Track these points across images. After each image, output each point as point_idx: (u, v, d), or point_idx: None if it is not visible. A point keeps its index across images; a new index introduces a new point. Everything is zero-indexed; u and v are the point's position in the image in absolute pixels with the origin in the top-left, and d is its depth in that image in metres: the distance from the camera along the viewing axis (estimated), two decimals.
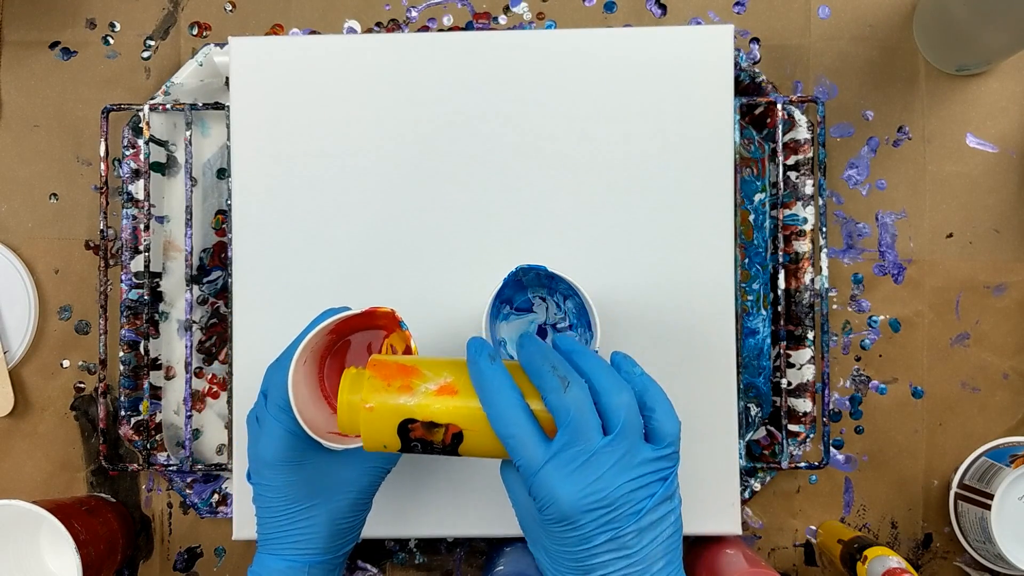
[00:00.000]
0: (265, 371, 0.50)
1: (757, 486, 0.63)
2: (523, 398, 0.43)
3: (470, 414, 0.44)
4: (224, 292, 0.65)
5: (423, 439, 0.44)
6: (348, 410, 0.45)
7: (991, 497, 0.58)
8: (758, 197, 0.64)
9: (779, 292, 0.62)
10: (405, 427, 0.44)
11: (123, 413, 0.63)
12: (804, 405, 0.62)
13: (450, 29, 0.65)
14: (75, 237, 0.66)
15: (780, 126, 0.62)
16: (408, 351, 0.50)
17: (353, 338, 0.54)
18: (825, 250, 0.63)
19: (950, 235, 0.64)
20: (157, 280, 0.65)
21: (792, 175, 0.63)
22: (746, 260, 0.64)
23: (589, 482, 0.40)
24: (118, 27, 0.66)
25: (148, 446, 0.63)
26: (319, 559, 0.49)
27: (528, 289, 0.58)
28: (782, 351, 0.63)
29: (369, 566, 0.65)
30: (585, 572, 0.41)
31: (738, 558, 0.57)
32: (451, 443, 0.44)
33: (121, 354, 0.63)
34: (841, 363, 0.64)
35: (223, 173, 0.65)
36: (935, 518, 0.64)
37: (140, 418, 0.64)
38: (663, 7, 0.65)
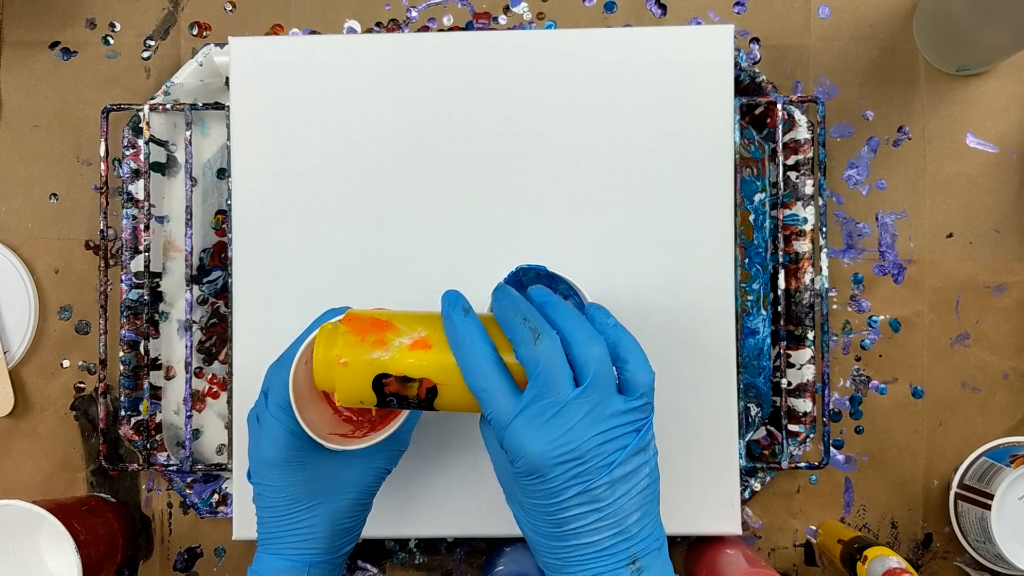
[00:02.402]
0: (266, 371, 0.50)
1: (757, 486, 0.63)
2: (496, 351, 0.43)
3: (444, 368, 0.44)
4: (224, 292, 0.65)
5: (398, 394, 0.44)
6: (324, 367, 0.45)
7: (991, 497, 0.58)
8: (758, 197, 0.64)
9: (779, 292, 0.62)
10: (379, 382, 0.44)
11: (123, 413, 0.63)
12: (804, 405, 0.62)
13: (450, 29, 0.65)
14: (75, 237, 0.66)
15: (780, 126, 0.62)
16: None
17: None
18: (825, 250, 0.63)
19: (950, 235, 0.64)
20: (157, 280, 0.65)
21: (792, 175, 0.63)
22: (746, 260, 0.64)
23: (559, 435, 0.40)
24: (118, 27, 0.66)
25: (148, 446, 0.63)
26: (320, 559, 0.49)
27: (528, 289, 0.58)
28: (782, 351, 0.63)
29: (369, 566, 0.65)
30: (558, 525, 0.41)
31: (738, 558, 0.57)
32: (426, 398, 0.44)
33: (121, 354, 0.63)
34: (841, 363, 0.64)
35: (223, 173, 0.65)
36: (935, 518, 0.64)
37: (140, 418, 0.64)
38: (663, 7, 0.65)
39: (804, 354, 0.63)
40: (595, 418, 0.41)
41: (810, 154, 0.63)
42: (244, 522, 0.59)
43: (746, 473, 0.63)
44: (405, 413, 0.49)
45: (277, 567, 0.48)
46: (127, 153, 0.63)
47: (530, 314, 0.43)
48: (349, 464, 0.49)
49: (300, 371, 0.48)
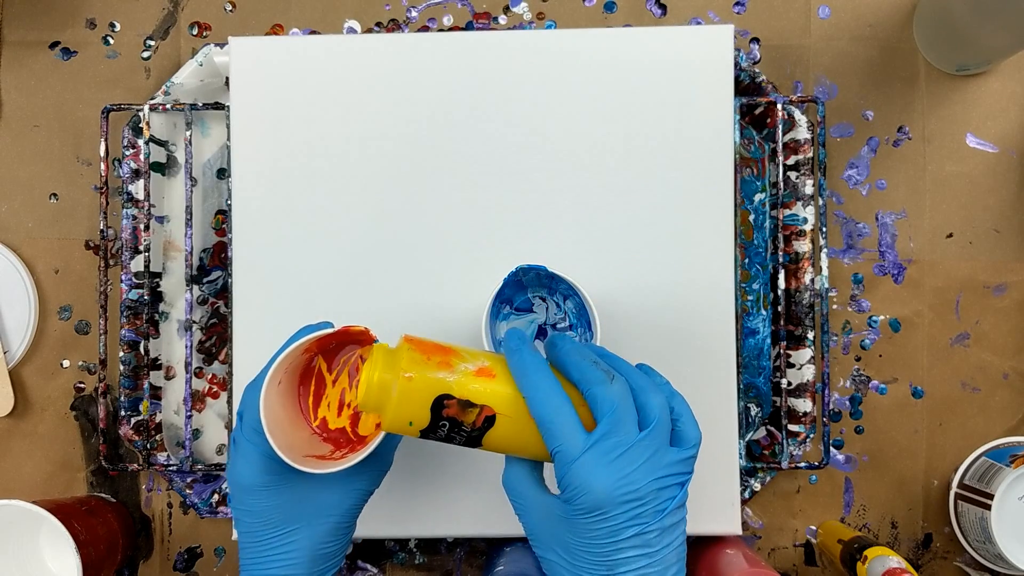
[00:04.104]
0: (243, 391, 0.48)
1: (757, 486, 0.63)
2: (562, 388, 0.43)
3: (507, 398, 0.44)
4: (224, 292, 0.65)
5: (454, 419, 0.43)
6: (379, 385, 0.43)
7: (991, 497, 0.58)
8: (758, 197, 0.64)
9: (779, 292, 0.62)
10: (440, 403, 0.43)
11: (123, 413, 0.63)
12: (804, 405, 0.62)
13: (450, 29, 0.65)
14: (75, 237, 0.66)
15: (780, 126, 0.62)
16: None
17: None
18: (825, 250, 0.63)
19: (950, 235, 0.64)
20: (157, 280, 0.65)
21: (792, 175, 0.63)
22: (746, 260, 0.64)
23: (625, 474, 0.41)
24: (118, 27, 0.66)
25: (148, 446, 0.63)
26: None
27: (528, 289, 0.58)
28: (782, 351, 0.63)
29: (369, 566, 0.65)
30: (609, 568, 0.41)
31: (738, 558, 0.57)
32: (481, 427, 0.44)
33: (121, 354, 0.63)
34: (841, 363, 0.64)
35: (223, 173, 0.65)
36: (935, 518, 0.64)
37: (140, 418, 0.64)
38: (663, 7, 0.65)
39: (804, 354, 0.63)
40: (654, 464, 0.42)
41: (810, 154, 0.63)
42: None
43: (746, 473, 0.63)
44: (380, 434, 0.46)
45: None
46: (127, 153, 0.63)
47: (600, 357, 0.44)
48: (329, 487, 0.48)
49: (273, 392, 0.46)
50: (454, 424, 0.44)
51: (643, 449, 0.41)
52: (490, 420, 0.44)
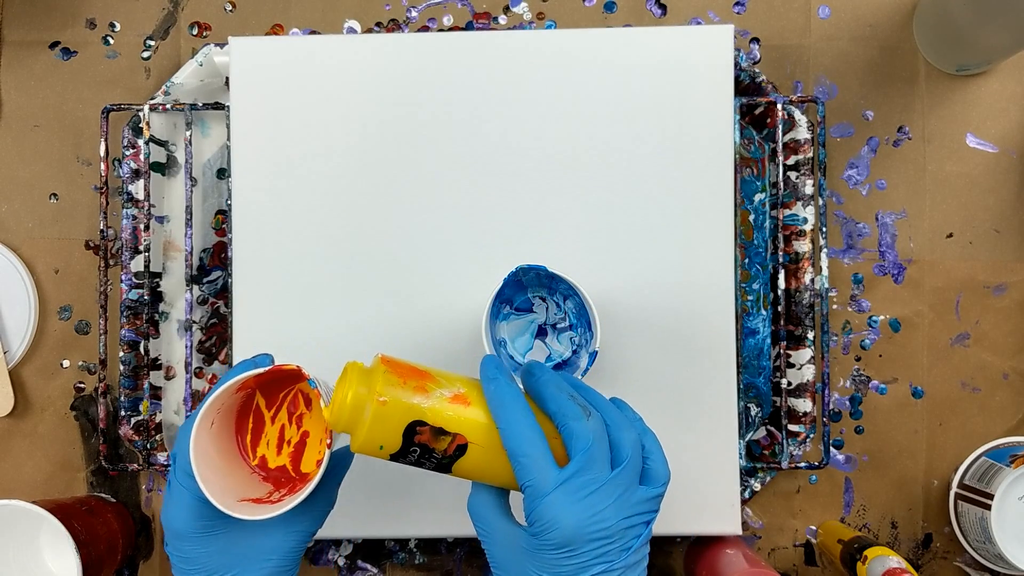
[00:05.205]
0: (176, 433, 0.47)
1: (757, 486, 0.63)
2: (536, 421, 0.43)
3: (480, 428, 0.43)
4: (224, 292, 0.65)
5: (426, 445, 0.43)
6: (352, 405, 0.42)
7: (991, 497, 0.58)
8: (758, 197, 0.64)
9: (779, 292, 0.62)
10: (412, 429, 0.42)
11: (123, 413, 0.63)
12: (804, 405, 0.62)
13: (450, 29, 0.65)
14: (75, 237, 0.66)
15: (780, 126, 0.62)
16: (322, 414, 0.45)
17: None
18: (825, 250, 0.63)
19: (950, 235, 0.64)
20: (157, 280, 0.65)
21: (792, 175, 0.63)
22: (746, 260, 0.64)
23: (595, 512, 0.41)
24: (118, 27, 0.66)
25: (148, 446, 0.63)
26: None
27: (528, 289, 0.58)
28: (782, 351, 0.63)
29: (369, 566, 0.65)
30: None
31: (738, 558, 0.57)
32: (452, 454, 0.43)
33: (121, 354, 0.63)
34: (841, 363, 0.64)
35: (223, 173, 0.65)
36: (935, 518, 0.64)
37: (140, 418, 0.64)
38: (663, 7, 0.65)
39: (804, 354, 0.63)
40: (624, 502, 0.42)
41: (810, 154, 0.63)
42: None
43: (746, 473, 0.63)
44: (322, 470, 0.45)
45: None
46: (127, 153, 0.63)
47: (576, 391, 0.44)
48: (268, 531, 0.46)
49: (204, 434, 0.45)
50: (425, 450, 0.43)
51: (614, 487, 0.41)
52: (462, 448, 0.43)
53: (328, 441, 0.45)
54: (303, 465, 0.49)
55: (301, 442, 0.49)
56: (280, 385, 0.49)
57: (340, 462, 0.49)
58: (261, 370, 0.46)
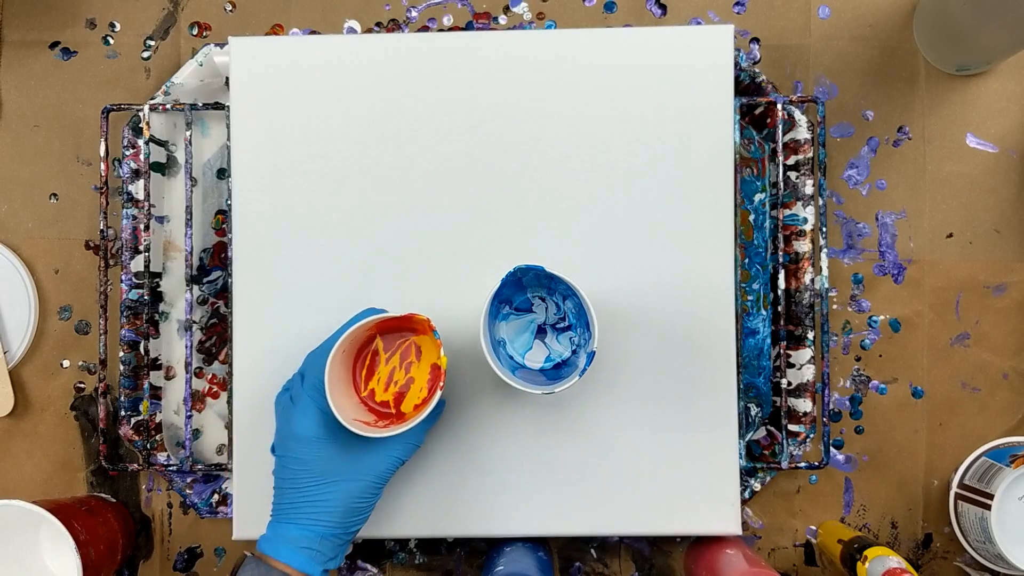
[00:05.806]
0: (305, 356, 0.55)
1: (757, 486, 0.63)
2: None
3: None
4: (224, 292, 0.65)
5: None
6: None
7: (991, 497, 0.58)
8: (758, 197, 0.64)
9: (779, 292, 0.62)
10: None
11: (123, 413, 0.63)
12: (804, 405, 0.62)
13: (450, 29, 0.65)
14: (75, 237, 0.66)
15: (780, 126, 0.62)
16: (438, 361, 0.54)
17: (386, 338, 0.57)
18: (825, 250, 0.63)
19: (950, 235, 0.64)
20: (157, 280, 0.65)
21: (792, 175, 0.63)
22: (746, 260, 0.64)
23: None
24: (118, 27, 0.66)
25: (148, 446, 0.63)
26: (332, 532, 0.52)
27: (527, 289, 0.58)
28: (782, 351, 0.63)
29: (369, 566, 0.65)
30: None
31: (738, 558, 0.57)
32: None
33: (121, 354, 0.63)
34: (841, 363, 0.64)
35: (223, 173, 0.65)
36: (935, 518, 0.64)
37: (140, 418, 0.64)
38: (663, 7, 0.65)
39: (804, 354, 0.63)
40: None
41: (810, 154, 0.63)
42: (244, 522, 0.59)
43: (746, 473, 0.63)
44: (426, 410, 0.52)
45: (292, 535, 0.52)
46: (127, 153, 0.63)
47: None
48: (370, 450, 0.53)
49: (336, 359, 0.52)
50: None
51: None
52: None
53: (442, 383, 0.52)
54: (403, 406, 0.56)
55: (406, 385, 0.56)
56: (400, 333, 0.57)
57: (435, 410, 0.55)
58: (398, 314, 0.53)
